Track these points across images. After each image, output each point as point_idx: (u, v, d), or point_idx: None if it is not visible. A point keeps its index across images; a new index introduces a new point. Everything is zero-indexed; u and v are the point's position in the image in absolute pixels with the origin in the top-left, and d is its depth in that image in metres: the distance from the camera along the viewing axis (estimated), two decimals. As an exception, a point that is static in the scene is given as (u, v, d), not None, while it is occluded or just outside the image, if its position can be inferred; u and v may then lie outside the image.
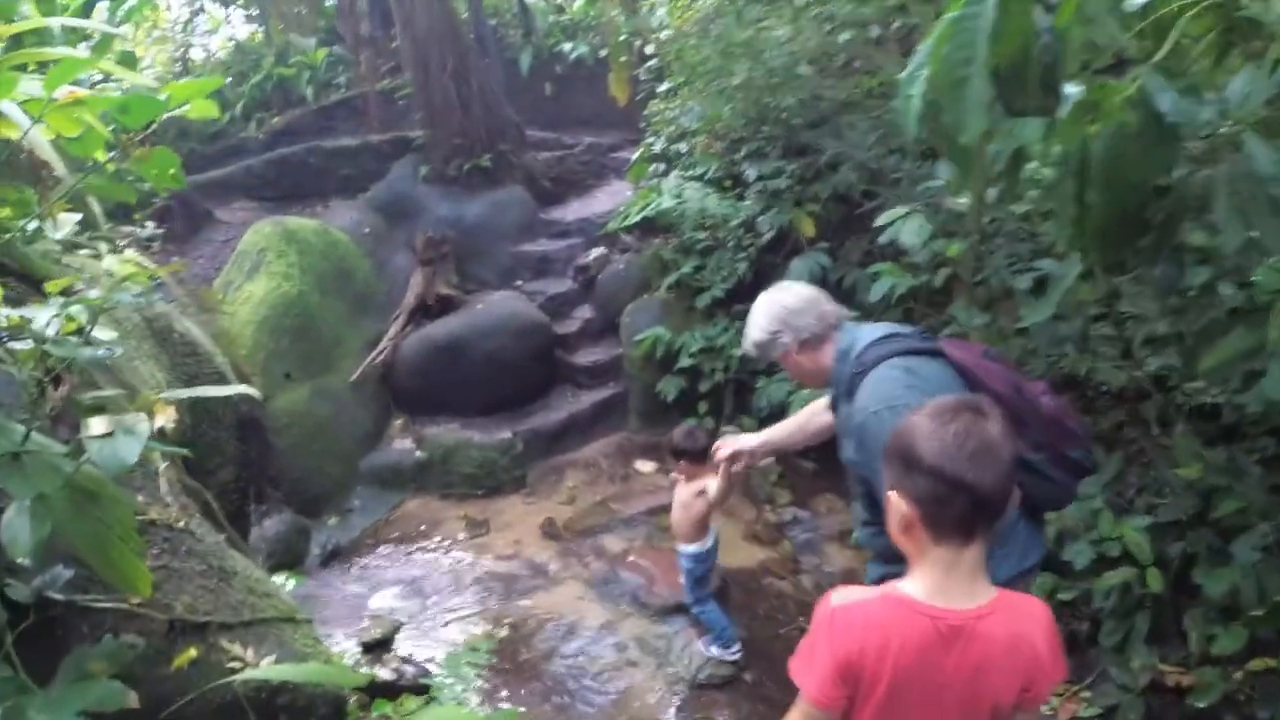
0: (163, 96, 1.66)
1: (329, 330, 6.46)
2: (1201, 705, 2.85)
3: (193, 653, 2.22)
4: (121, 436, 1.52)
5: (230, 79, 9.62)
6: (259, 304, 6.23)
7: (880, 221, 3.83)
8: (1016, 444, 1.64)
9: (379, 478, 6.07)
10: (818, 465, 5.62)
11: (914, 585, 1.70)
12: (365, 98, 9.31)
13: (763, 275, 6.10)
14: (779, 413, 5.89)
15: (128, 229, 6.77)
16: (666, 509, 4.69)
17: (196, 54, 10.60)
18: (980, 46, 1.84)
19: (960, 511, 1.61)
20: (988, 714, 1.73)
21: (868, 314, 5.04)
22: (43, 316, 1.91)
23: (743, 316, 3.03)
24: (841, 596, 1.76)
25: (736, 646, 4.23)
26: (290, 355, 6.13)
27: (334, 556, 5.47)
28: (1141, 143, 2.00)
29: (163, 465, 2.78)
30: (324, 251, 6.81)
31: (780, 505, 5.45)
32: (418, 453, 6.11)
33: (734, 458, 3.44)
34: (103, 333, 2.07)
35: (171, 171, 1.82)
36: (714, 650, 4.24)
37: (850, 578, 4.81)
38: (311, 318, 6.35)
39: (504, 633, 4.68)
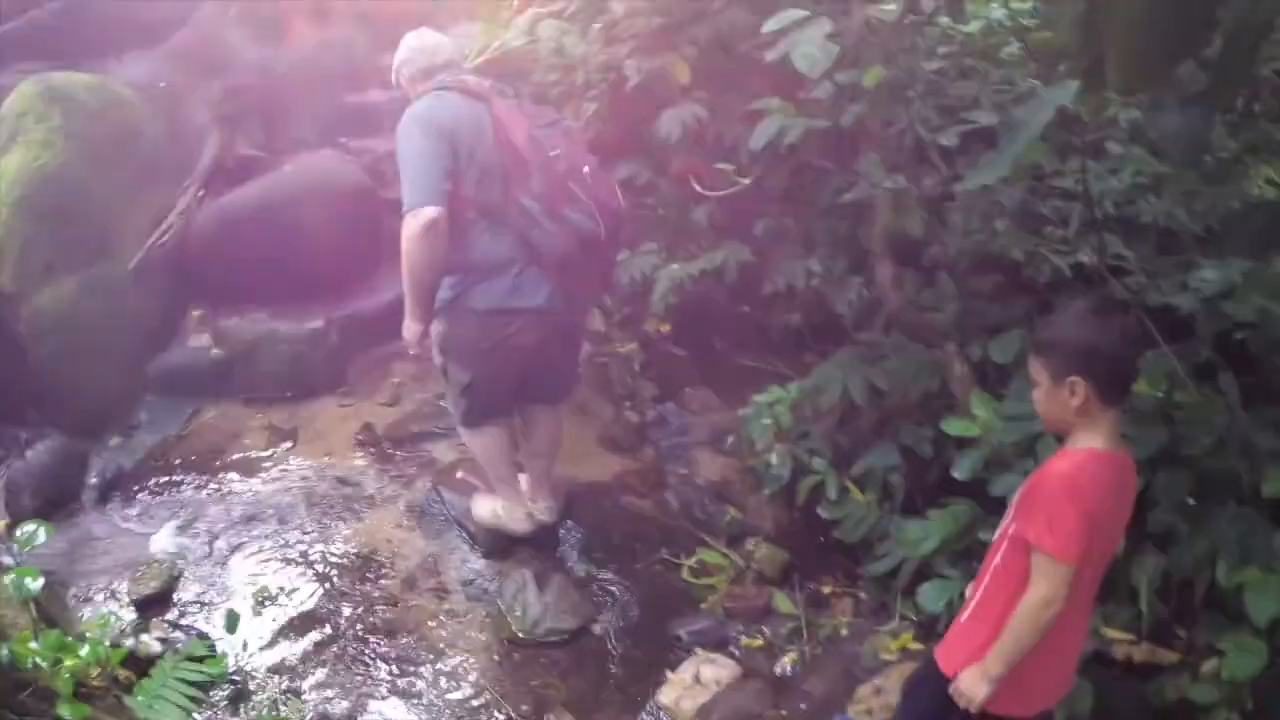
0: None
1: (104, 209, 5.26)
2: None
3: None
4: None
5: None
6: (13, 182, 5.00)
7: (768, 27, 2.84)
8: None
9: (170, 384, 4.99)
10: (690, 353, 4.76)
11: (1101, 440, 1.97)
12: (168, -75, 7.81)
13: (628, 126, 5.10)
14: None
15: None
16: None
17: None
18: None
19: (1127, 382, 2.02)
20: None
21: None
22: None
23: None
24: (1074, 464, 1.96)
25: None
26: (51, 242, 4.96)
27: (114, 486, 4.47)
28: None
29: None
30: (98, 112, 5.53)
31: (644, 400, 4.58)
32: (214, 350, 5.04)
33: None
34: None
35: None
36: None
37: (723, 490, 4.03)
38: (79, 194, 5.13)
39: (302, 576, 3.82)
